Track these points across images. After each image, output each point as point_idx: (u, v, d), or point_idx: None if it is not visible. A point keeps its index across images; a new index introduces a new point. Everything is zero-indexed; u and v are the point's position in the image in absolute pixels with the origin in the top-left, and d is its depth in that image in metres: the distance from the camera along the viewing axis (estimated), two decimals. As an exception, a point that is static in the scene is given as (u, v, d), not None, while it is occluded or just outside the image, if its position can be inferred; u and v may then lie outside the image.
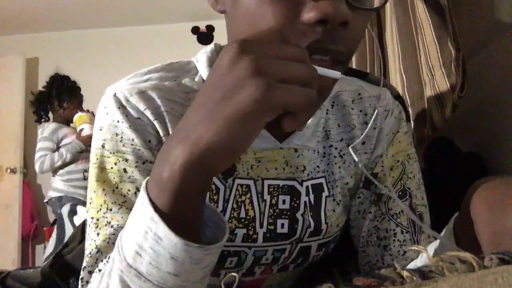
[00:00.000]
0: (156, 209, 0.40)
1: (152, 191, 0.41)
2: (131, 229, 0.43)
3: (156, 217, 0.39)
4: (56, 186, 3.02)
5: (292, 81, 0.36)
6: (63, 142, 3.06)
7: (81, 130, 2.92)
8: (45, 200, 3.09)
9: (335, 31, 0.45)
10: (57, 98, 3.14)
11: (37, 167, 3.00)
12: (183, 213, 0.41)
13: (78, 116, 2.96)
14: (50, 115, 3.24)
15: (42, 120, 3.21)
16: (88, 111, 3.03)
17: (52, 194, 3.01)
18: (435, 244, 0.54)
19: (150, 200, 0.41)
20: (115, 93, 0.56)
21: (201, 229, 0.45)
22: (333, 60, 0.47)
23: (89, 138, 2.87)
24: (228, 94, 0.36)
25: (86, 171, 2.99)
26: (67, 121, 3.13)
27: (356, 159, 0.59)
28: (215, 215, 0.45)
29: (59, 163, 2.96)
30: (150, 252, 0.41)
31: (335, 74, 0.44)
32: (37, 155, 3.01)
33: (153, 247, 0.40)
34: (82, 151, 2.96)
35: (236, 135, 0.36)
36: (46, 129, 3.09)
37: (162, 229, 0.39)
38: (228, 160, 0.40)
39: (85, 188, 2.52)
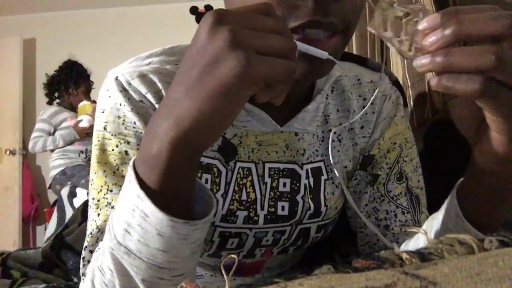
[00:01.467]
0: (143, 186, 0.40)
1: (140, 169, 0.41)
2: (120, 208, 0.43)
3: (142, 194, 0.40)
4: (55, 164, 3.04)
5: (271, 53, 0.36)
6: (62, 125, 3.07)
7: (80, 121, 2.92)
8: (48, 184, 3.10)
9: (326, 3, 0.45)
10: (64, 84, 3.16)
11: (29, 146, 3.05)
12: (172, 189, 0.41)
13: (81, 105, 2.97)
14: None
15: (54, 103, 3.23)
16: (94, 101, 3.02)
17: (54, 172, 3.03)
18: (438, 215, 0.55)
19: (137, 177, 0.41)
20: (117, 77, 0.57)
21: (191, 204, 0.46)
22: (328, 33, 0.47)
23: (84, 131, 2.88)
24: (208, 68, 0.35)
25: (82, 152, 3.00)
26: (72, 107, 3.12)
27: (337, 174, 0.60)
28: (203, 190, 0.46)
29: (50, 147, 2.99)
30: (138, 229, 0.41)
31: (322, 53, 0.44)
32: (32, 135, 3.06)
33: (141, 224, 0.41)
34: (77, 139, 2.97)
35: (219, 109, 0.36)
36: (46, 111, 3.12)
37: (148, 206, 0.40)
38: (214, 135, 0.40)
39: (82, 164, 2.54)
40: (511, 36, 0.34)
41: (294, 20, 0.46)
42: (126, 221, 0.42)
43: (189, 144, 0.38)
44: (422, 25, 0.38)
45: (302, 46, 0.43)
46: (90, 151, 2.97)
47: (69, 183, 2.90)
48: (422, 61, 0.37)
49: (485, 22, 0.34)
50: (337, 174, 0.60)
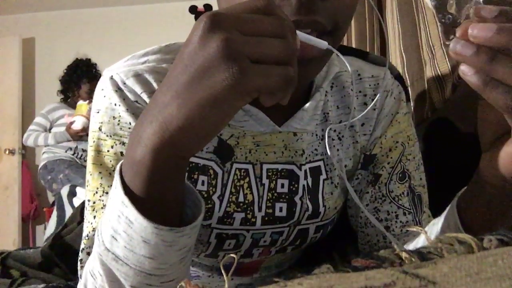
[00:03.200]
0: (127, 192, 0.40)
1: (126, 174, 0.40)
2: (107, 213, 0.43)
3: (126, 200, 0.39)
4: (41, 158, 3.08)
5: (268, 61, 0.34)
6: (58, 122, 3.07)
7: (73, 122, 2.91)
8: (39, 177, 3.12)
9: (311, 2, 0.44)
10: (68, 83, 3.18)
11: (23, 138, 3.09)
12: (158, 195, 0.40)
13: (78, 105, 2.96)
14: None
15: (69, 100, 3.24)
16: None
17: (39, 166, 3.05)
18: (438, 220, 0.55)
19: (122, 183, 0.40)
20: (111, 76, 0.56)
21: (183, 208, 0.45)
22: (316, 32, 0.46)
23: (76, 134, 2.88)
24: (198, 75, 0.34)
25: (70, 148, 3.00)
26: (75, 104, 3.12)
27: (337, 170, 0.59)
28: (192, 194, 0.45)
29: (41, 144, 3.00)
30: (124, 236, 0.41)
31: (321, 43, 0.42)
32: (29, 128, 3.09)
33: (126, 231, 0.40)
34: (69, 141, 2.97)
35: (207, 118, 0.35)
36: (46, 106, 3.15)
37: (132, 212, 0.39)
38: (200, 142, 0.39)
39: (63, 158, 2.53)
40: None
41: None
42: (112, 227, 0.42)
43: (173, 150, 0.37)
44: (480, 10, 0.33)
45: (302, 36, 0.41)
46: (81, 149, 2.97)
47: (49, 177, 2.92)
48: (463, 50, 0.34)
49: None
50: (337, 170, 0.58)
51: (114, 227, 0.41)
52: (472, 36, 0.33)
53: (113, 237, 0.42)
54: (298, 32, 0.39)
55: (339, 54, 0.45)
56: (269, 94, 0.36)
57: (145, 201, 0.40)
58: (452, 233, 0.48)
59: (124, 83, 0.55)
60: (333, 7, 0.46)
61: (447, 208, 0.51)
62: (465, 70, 0.34)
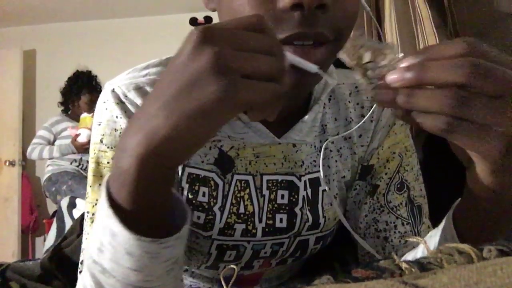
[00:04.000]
0: (112, 204, 0.39)
1: (113, 185, 0.40)
2: (95, 226, 0.43)
3: (109, 212, 0.39)
4: (46, 170, 3.07)
5: (257, 77, 0.35)
6: (61, 134, 3.08)
7: (78, 135, 2.91)
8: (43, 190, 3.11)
9: (313, 14, 0.44)
10: (68, 95, 3.18)
11: (27, 151, 3.07)
12: (145, 205, 0.40)
13: (82, 117, 2.96)
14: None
15: (70, 111, 3.24)
16: None
17: (43, 178, 3.06)
18: (436, 233, 0.55)
19: (107, 194, 0.40)
20: (113, 89, 0.56)
21: (172, 219, 0.44)
22: (316, 42, 0.47)
23: (82, 147, 2.88)
24: (188, 87, 0.34)
25: (75, 160, 3.00)
26: (78, 118, 3.13)
27: (325, 187, 0.60)
28: (180, 204, 0.45)
29: (46, 157, 3.00)
30: (109, 248, 0.40)
31: (311, 67, 0.43)
32: (32, 141, 3.08)
33: (111, 243, 0.40)
34: (74, 153, 2.97)
35: (194, 130, 0.35)
36: (49, 119, 3.14)
37: (116, 224, 0.39)
38: (187, 153, 0.39)
39: (67, 170, 2.53)
40: (473, 84, 0.33)
41: (281, 32, 0.46)
42: (99, 239, 0.41)
43: (159, 161, 0.37)
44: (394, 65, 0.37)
45: (292, 59, 0.42)
46: (86, 161, 2.98)
47: (53, 189, 2.91)
48: (385, 97, 0.37)
49: (449, 70, 0.33)
50: (325, 187, 0.59)
51: (100, 239, 0.41)
52: (388, 81, 0.36)
53: (99, 249, 0.41)
54: (289, 54, 0.40)
55: (328, 78, 0.46)
56: (256, 109, 0.36)
57: (131, 212, 0.39)
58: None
59: (126, 96, 0.56)
60: (335, 18, 0.47)
61: (444, 220, 0.51)
62: (396, 112, 0.37)
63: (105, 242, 0.40)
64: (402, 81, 0.35)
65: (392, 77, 0.36)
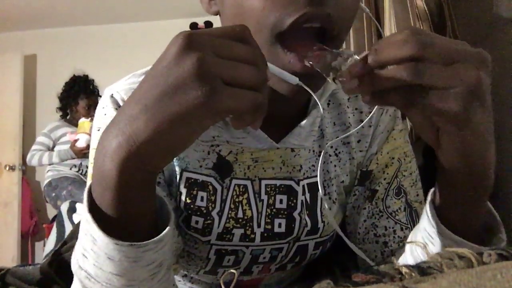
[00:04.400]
0: (92, 209, 0.39)
1: (95, 190, 0.40)
2: (80, 232, 0.43)
3: (89, 217, 0.39)
4: (46, 176, 3.07)
5: (239, 85, 0.35)
6: (61, 140, 3.08)
7: (77, 140, 2.91)
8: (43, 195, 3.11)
9: None
10: (66, 100, 3.18)
11: (27, 158, 3.07)
12: (127, 210, 0.39)
13: (81, 122, 2.96)
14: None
15: (68, 116, 3.24)
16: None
17: (43, 184, 3.06)
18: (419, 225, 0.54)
19: (89, 199, 0.40)
20: (112, 94, 0.57)
21: (157, 223, 0.44)
22: (322, 29, 0.47)
23: (81, 152, 2.88)
24: (170, 91, 0.34)
25: (75, 166, 3.00)
26: (77, 122, 3.12)
27: (322, 194, 0.60)
28: (163, 207, 0.45)
29: (46, 163, 3.00)
30: (91, 253, 0.40)
31: (292, 78, 0.44)
32: (32, 147, 3.08)
33: (92, 248, 0.40)
34: (73, 158, 2.97)
35: (176, 134, 0.35)
36: (48, 125, 3.14)
37: (95, 229, 0.38)
38: (168, 157, 0.39)
39: (67, 176, 2.51)
40: (421, 54, 0.36)
41: (290, 15, 0.46)
42: (82, 245, 0.41)
43: (140, 164, 0.37)
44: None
45: (274, 70, 0.43)
46: (85, 166, 2.98)
47: (53, 194, 2.91)
48: (351, 85, 0.40)
49: (398, 47, 0.36)
50: (322, 192, 0.59)
51: (83, 244, 0.41)
52: (352, 73, 0.39)
53: (83, 255, 0.41)
54: (271, 66, 0.41)
55: (308, 89, 0.47)
56: (238, 117, 0.37)
57: (113, 217, 0.39)
58: (430, 227, 0.47)
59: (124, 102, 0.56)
60: (341, 2, 0.48)
61: (425, 209, 0.51)
62: (365, 98, 0.40)
63: (88, 248, 0.40)
64: (362, 68, 0.38)
65: (355, 68, 0.39)
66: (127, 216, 0.40)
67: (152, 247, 0.41)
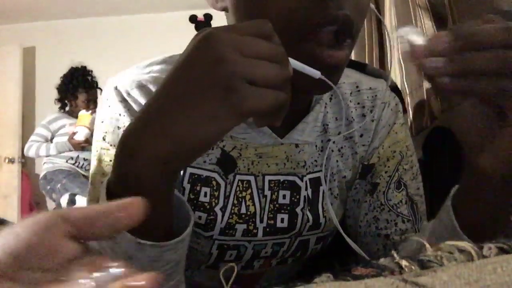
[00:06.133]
0: None
1: (115, 188, 0.39)
2: None
3: None
4: (42, 168, 3.07)
5: (262, 84, 0.35)
6: (59, 132, 3.06)
7: (75, 133, 2.89)
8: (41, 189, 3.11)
9: None
10: (64, 92, 3.16)
11: (25, 149, 3.08)
12: (152, 210, 0.40)
13: (80, 115, 2.94)
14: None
15: (67, 108, 3.23)
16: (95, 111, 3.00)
17: (40, 177, 3.06)
18: (432, 223, 0.54)
19: (107, 197, 0.40)
20: (116, 86, 0.56)
21: (173, 222, 0.44)
22: (340, 31, 0.47)
23: (79, 145, 2.87)
24: (193, 92, 0.34)
25: (72, 158, 2.99)
26: (76, 114, 3.11)
27: (325, 188, 0.60)
28: (183, 207, 0.45)
29: (43, 155, 2.99)
30: (109, 252, 0.40)
31: (314, 73, 0.43)
32: (30, 138, 3.08)
33: (111, 246, 0.40)
34: (71, 151, 2.96)
35: (198, 136, 0.35)
36: (47, 117, 3.13)
37: None
38: (191, 158, 0.40)
39: (62, 169, 2.52)
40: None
41: (310, 19, 0.46)
42: (99, 244, 0.41)
43: (164, 165, 0.37)
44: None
45: (296, 65, 0.42)
46: (82, 159, 2.96)
47: (48, 187, 2.91)
48: (437, 64, 0.38)
49: (492, 34, 0.36)
50: (325, 186, 0.58)
51: (101, 243, 0.41)
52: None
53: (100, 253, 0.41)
54: (292, 60, 0.40)
55: (332, 85, 0.47)
56: (261, 116, 0.37)
57: None
58: (447, 234, 0.48)
59: (129, 94, 0.55)
60: (355, 2, 0.47)
61: (441, 211, 0.51)
62: (446, 81, 0.38)
63: (105, 246, 0.40)
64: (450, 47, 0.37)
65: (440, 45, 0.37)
66: (148, 215, 0.40)
67: (173, 247, 0.41)
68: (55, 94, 3.26)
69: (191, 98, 0.34)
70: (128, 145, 0.38)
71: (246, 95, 0.33)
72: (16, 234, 0.25)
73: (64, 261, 0.25)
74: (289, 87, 0.37)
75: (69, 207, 0.34)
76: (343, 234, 0.54)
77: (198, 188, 0.59)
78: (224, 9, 0.56)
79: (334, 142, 0.65)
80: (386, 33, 1.29)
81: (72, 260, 0.25)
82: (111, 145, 0.55)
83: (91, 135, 2.64)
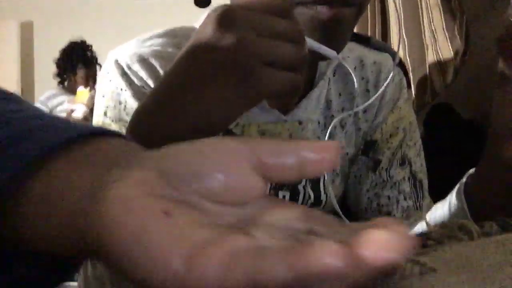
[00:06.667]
0: None
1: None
2: None
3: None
4: None
5: (278, 65, 0.34)
6: (57, 109, 3.03)
7: (73, 110, 2.87)
8: None
9: None
10: (63, 68, 3.12)
11: None
12: None
13: (79, 92, 2.91)
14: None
15: (66, 83, 3.17)
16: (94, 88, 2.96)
17: None
18: (443, 206, 0.54)
19: None
20: (117, 60, 0.55)
21: None
22: (342, 2, 0.45)
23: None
24: (209, 73, 0.34)
25: None
26: (75, 90, 3.08)
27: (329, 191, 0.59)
28: None
29: None
30: None
31: (331, 53, 0.43)
32: None
33: None
34: None
35: (212, 117, 0.35)
36: (46, 93, 3.09)
37: None
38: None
39: None
40: None
41: None
42: None
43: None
44: None
45: (312, 45, 0.41)
46: None
47: None
48: None
49: None
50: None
51: None
52: None
53: None
54: (309, 40, 0.39)
55: (346, 65, 0.47)
56: (276, 98, 0.37)
57: None
58: (457, 218, 0.48)
59: (130, 68, 0.55)
60: None
61: (454, 193, 0.51)
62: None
63: None
64: None
65: None
66: None
67: None
68: (54, 69, 3.23)
69: (209, 79, 0.34)
70: (141, 125, 0.38)
71: (264, 78, 0.33)
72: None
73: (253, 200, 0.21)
74: (305, 68, 0.36)
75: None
76: (338, 211, 0.55)
77: None
78: None
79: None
80: (388, 9, 1.27)
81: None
82: (112, 121, 0.55)
83: (90, 112, 2.63)
